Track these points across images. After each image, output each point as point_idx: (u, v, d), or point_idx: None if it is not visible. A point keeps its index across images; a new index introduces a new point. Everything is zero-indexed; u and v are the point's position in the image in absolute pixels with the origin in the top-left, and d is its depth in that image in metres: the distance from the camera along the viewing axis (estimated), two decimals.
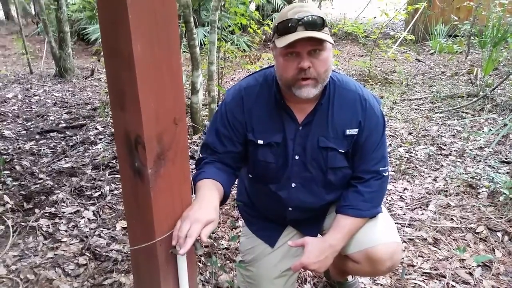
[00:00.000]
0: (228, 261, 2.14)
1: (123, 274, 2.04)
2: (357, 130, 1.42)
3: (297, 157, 1.45)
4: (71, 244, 2.30)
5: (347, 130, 1.42)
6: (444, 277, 1.99)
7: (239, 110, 1.45)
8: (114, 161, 3.35)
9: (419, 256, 2.17)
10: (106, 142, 3.82)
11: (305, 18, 1.26)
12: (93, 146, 3.75)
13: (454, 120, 4.36)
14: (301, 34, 1.24)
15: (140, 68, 1.00)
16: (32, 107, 5.13)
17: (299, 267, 1.42)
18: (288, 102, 1.42)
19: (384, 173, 1.48)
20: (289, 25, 1.27)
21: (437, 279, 1.99)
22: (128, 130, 1.08)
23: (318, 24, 1.26)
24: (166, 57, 1.09)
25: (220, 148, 1.47)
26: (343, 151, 1.44)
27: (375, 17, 6.91)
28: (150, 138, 1.06)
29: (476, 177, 2.99)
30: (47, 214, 2.59)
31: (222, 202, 1.39)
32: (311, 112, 1.42)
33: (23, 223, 2.47)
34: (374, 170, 1.47)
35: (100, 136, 4.00)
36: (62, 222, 2.51)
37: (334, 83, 1.44)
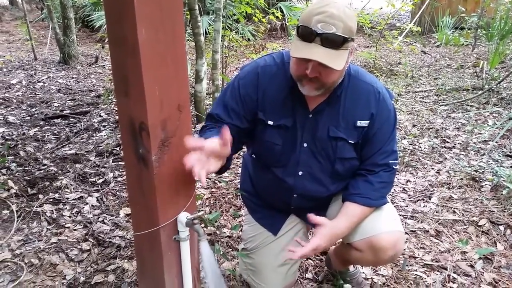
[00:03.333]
0: (230, 249, 2.15)
1: (126, 260, 2.05)
2: (368, 122, 1.42)
3: (305, 145, 1.45)
4: (74, 229, 2.32)
5: (358, 121, 1.42)
6: (446, 269, 2.00)
7: (253, 87, 1.45)
8: (117, 148, 3.36)
9: (420, 247, 2.17)
10: (110, 129, 3.83)
11: (324, 34, 1.21)
12: (97, 133, 3.76)
13: (459, 113, 4.34)
14: (313, 51, 1.22)
15: (145, 54, 1.00)
16: (36, 93, 5.13)
17: (310, 249, 1.40)
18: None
19: (394, 166, 1.49)
20: (308, 33, 1.24)
21: (438, 271, 1.99)
22: (133, 116, 1.08)
23: (336, 42, 1.22)
24: (171, 44, 1.08)
25: (226, 120, 1.45)
26: (352, 142, 1.44)
27: (381, 8, 6.84)
28: (155, 124, 1.06)
29: (479, 171, 2.98)
30: (51, 200, 2.60)
31: (223, 170, 1.37)
32: (324, 101, 1.42)
33: (27, 208, 2.49)
34: (384, 163, 1.47)
35: (104, 123, 4.01)
36: (66, 208, 2.53)
37: (349, 74, 1.43)
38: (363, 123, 1.43)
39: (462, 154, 3.32)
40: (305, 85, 1.32)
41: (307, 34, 1.24)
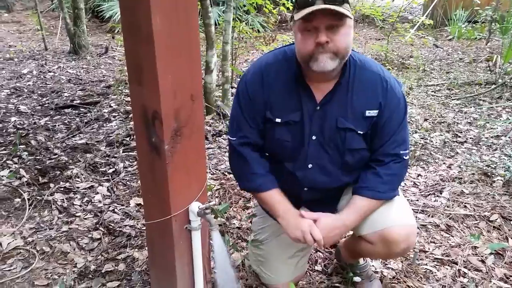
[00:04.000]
0: (240, 240, 2.16)
1: (136, 249, 2.07)
2: (377, 111, 1.40)
3: (314, 138, 1.44)
4: (85, 218, 2.34)
5: (367, 111, 1.40)
6: (456, 263, 1.98)
7: (260, 88, 1.44)
8: (128, 139, 3.37)
9: (431, 242, 2.16)
10: (120, 120, 3.84)
11: None
12: (107, 123, 3.77)
13: (471, 107, 4.29)
14: (317, 6, 1.22)
15: (159, 43, 1.00)
16: (47, 83, 5.15)
17: (311, 238, 1.42)
18: (307, 81, 1.40)
19: (404, 157, 1.47)
20: None
21: (448, 265, 1.98)
22: (146, 105, 1.08)
23: None
24: (184, 33, 1.08)
25: (249, 130, 1.48)
26: (361, 132, 1.42)
27: (393, 0, 6.76)
28: (168, 113, 1.06)
29: (491, 166, 2.94)
30: (62, 189, 2.62)
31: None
32: (330, 91, 1.40)
33: (38, 197, 2.51)
34: (395, 153, 1.45)
35: (114, 114, 4.02)
36: (77, 197, 2.54)
37: (355, 63, 1.41)
38: (372, 112, 1.41)
39: (474, 149, 3.29)
40: (319, 57, 1.28)
41: None
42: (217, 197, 2.57)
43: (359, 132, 1.42)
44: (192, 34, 1.11)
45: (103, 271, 1.92)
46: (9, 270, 1.92)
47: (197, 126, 1.18)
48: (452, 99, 4.54)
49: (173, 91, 1.06)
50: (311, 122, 1.43)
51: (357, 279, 1.78)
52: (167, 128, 1.07)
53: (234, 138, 1.52)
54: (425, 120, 3.93)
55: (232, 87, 4.15)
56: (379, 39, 8.19)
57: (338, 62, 1.31)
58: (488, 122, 3.82)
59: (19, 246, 2.08)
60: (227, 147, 1.60)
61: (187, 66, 1.10)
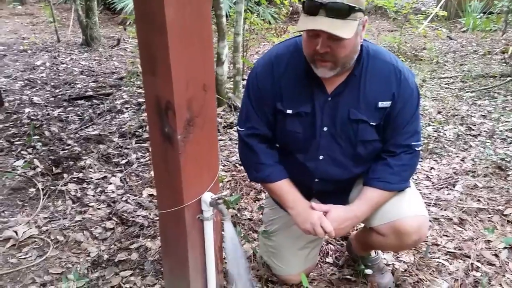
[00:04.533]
0: (251, 232, 2.17)
1: (149, 239, 2.09)
2: (390, 102, 1.39)
3: (325, 129, 1.43)
4: (98, 208, 2.36)
5: (380, 102, 1.38)
6: (469, 257, 1.97)
7: (270, 79, 1.44)
8: (140, 130, 3.39)
9: (443, 235, 2.14)
10: (133, 111, 3.86)
11: (329, 4, 1.19)
12: (119, 114, 3.80)
13: (485, 100, 4.22)
14: (318, 22, 1.20)
15: (172, 33, 1.00)
16: (60, 74, 5.20)
17: (321, 230, 1.42)
18: None
19: (416, 148, 1.45)
20: (312, 5, 1.22)
21: (461, 259, 1.96)
22: (159, 95, 1.08)
23: (342, 11, 1.20)
24: (197, 23, 1.08)
25: (258, 121, 1.49)
26: (374, 123, 1.40)
27: None
28: (180, 103, 1.06)
29: (506, 159, 2.90)
30: (75, 179, 2.66)
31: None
32: (342, 83, 1.39)
33: (52, 187, 2.54)
34: (406, 144, 1.44)
35: (126, 105, 4.04)
36: (90, 187, 2.57)
37: (368, 53, 1.39)
38: (385, 103, 1.39)
39: (488, 142, 3.24)
40: (319, 66, 1.30)
41: (311, 7, 1.22)
42: (228, 188, 2.58)
43: (371, 123, 1.41)
44: (205, 24, 1.11)
45: (116, 260, 1.94)
46: (25, 258, 1.96)
47: (210, 117, 1.18)
48: (466, 92, 4.48)
49: (186, 81, 1.06)
50: (323, 113, 1.42)
51: (368, 271, 1.78)
52: (180, 118, 1.07)
53: (243, 129, 1.52)
54: (439, 112, 3.88)
55: (243, 79, 4.15)
56: (392, 31, 8.09)
57: (338, 70, 1.31)
58: (503, 115, 3.77)
59: (34, 235, 2.12)
60: (238, 139, 1.60)
61: (199, 57, 1.10)
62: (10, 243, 2.04)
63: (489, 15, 8.00)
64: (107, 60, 6.01)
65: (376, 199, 1.46)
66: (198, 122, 1.14)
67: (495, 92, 4.41)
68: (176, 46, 1.01)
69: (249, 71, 1.61)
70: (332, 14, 1.20)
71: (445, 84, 4.85)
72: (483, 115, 3.83)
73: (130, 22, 8.19)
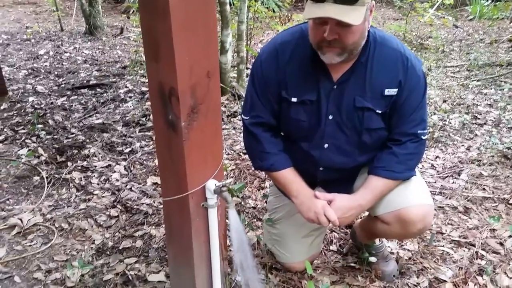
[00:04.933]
0: (255, 220, 2.17)
1: (153, 227, 2.09)
2: (396, 90, 1.37)
3: (331, 117, 1.41)
4: (103, 196, 2.37)
5: (386, 90, 1.37)
6: (474, 245, 1.96)
7: (275, 67, 1.42)
8: (144, 119, 3.39)
9: (448, 224, 2.13)
10: (136, 100, 3.85)
11: None
12: (123, 103, 3.80)
13: (491, 89, 4.18)
14: (326, 9, 1.18)
15: (176, 18, 0.98)
16: (63, 63, 5.19)
17: (324, 219, 1.42)
18: None
19: (422, 136, 1.43)
20: None
21: (466, 247, 1.96)
22: (162, 82, 1.07)
23: None
24: (201, 8, 1.06)
25: (262, 109, 1.47)
26: (380, 111, 1.39)
27: None
28: (184, 90, 1.05)
29: (511, 148, 2.88)
30: (80, 168, 2.66)
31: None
32: (348, 70, 1.37)
33: (56, 175, 2.55)
34: (412, 132, 1.42)
35: (130, 94, 4.03)
36: (94, 176, 2.58)
37: (375, 40, 1.37)
38: (391, 91, 1.37)
39: (494, 131, 3.22)
40: (326, 52, 1.28)
41: None
42: (232, 177, 2.57)
43: (377, 111, 1.39)
44: (209, 10, 1.09)
45: (120, 248, 1.95)
46: (30, 245, 1.97)
47: (214, 104, 1.17)
48: (472, 81, 4.43)
49: (189, 67, 1.05)
50: (328, 101, 1.40)
51: (372, 259, 1.77)
52: (183, 105, 1.06)
53: (247, 117, 1.51)
54: (444, 101, 3.85)
55: (247, 68, 4.12)
56: (398, 19, 8.01)
57: (346, 56, 1.29)
58: (509, 104, 3.73)
59: (38, 222, 2.13)
60: (242, 126, 1.60)
61: (203, 43, 1.09)
62: (16, 231, 2.05)
63: (496, 3, 7.89)
64: (111, 49, 5.99)
65: (381, 188, 1.45)
66: (202, 109, 1.13)
67: (502, 81, 4.37)
68: (179, 31, 0.99)
69: (253, 60, 1.59)
70: (340, 0, 1.18)
71: (451, 73, 4.81)
72: (489, 104, 3.79)
73: (133, 11, 8.14)
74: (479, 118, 3.48)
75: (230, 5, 7.02)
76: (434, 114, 3.54)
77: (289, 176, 1.51)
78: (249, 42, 4.57)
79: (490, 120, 3.44)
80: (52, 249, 1.95)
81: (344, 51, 1.27)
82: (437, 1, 7.26)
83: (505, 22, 7.16)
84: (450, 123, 3.37)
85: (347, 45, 1.25)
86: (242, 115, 1.54)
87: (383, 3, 10.01)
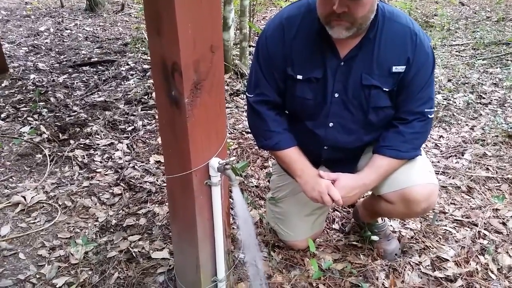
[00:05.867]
0: (258, 198, 2.17)
1: (157, 205, 2.10)
2: (404, 67, 1.34)
3: (336, 95, 1.39)
4: (106, 174, 2.37)
5: (394, 67, 1.33)
6: (476, 225, 1.96)
7: (280, 43, 1.38)
8: (146, 97, 3.36)
9: (451, 203, 2.13)
10: (138, 78, 3.82)
11: None
12: (125, 81, 3.76)
13: (497, 68, 4.13)
14: None
15: None
16: (64, 40, 5.14)
17: (328, 198, 1.42)
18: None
19: (429, 115, 1.41)
20: None
21: (468, 227, 1.96)
22: (165, 57, 1.05)
23: None
24: None
25: (267, 87, 1.45)
26: (387, 89, 1.36)
27: None
28: (187, 65, 1.03)
29: None
30: (82, 145, 2.65)
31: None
32: (356, 46, 1.33)
33: (59, 153, 2.55)
34: (419, 111, 1.40)
35: (131, 72, 4.00)
36: (97, 154, 2.57)
37: (383, 15, 1.33)
38: (399, 68, 1.34)
39: (499, 111, 3.19)
40: (335, 25, 1.24)
41: None
42: (234, 156, 2.57)
43: (384, 89, 1.36)
44: None
45: (124, 225, 1.96)
46: (34, 223, 1.98)
47: (217, 80, 1.15)
48: (477, 59, 4.38)
49: (193, 41, 1.02)
50: (334, 79, 1.37)
51: (374, 238, 1.78)
52: (187, 81, 1.04)
53: (252, 95, 1.49)
54: (449, 80, 3.81)
55: (250, 45, 4.07)
56: None
57: (354, 30, 1.25)
58: None
59: (42, 200, 2.13)
60: (245, 106, 1.57)
61: (207, 15, 1.06)
62: (19, 208, 2.06)
63: None
64: (112, 26, 5.92)
65: (385, 167, 1.44)
66: (206, 86, 1.11)
67: (508, 60, 4.31)
68: (182, 4, 0.96)
69: (256, 38, 1.55)
70: None
71: (456, 51, 4.74)
72: (495, 83, 3.75)
73: None
74: (484, 98, 3.45)
75: None
76: (439, 93, 3.50)
77: (293, 155, 1.50)
78: (252, 18, 4.50)
79: (495, 99, 3.41)
80: (55, 226, 1.96)
81: (353, 25, 1.23)
82: None
83: None
84: (455, 102, 3.34)
85: (357, 18, 1.21)
86: (246, 93, 1.52)
87: None
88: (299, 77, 1.39)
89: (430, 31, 5.55)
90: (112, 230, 1.94)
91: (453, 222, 1.99)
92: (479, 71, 4.07)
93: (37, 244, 1.84)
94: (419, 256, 1.77)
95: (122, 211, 2.06)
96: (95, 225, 1.97)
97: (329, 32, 1.27)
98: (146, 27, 1.08)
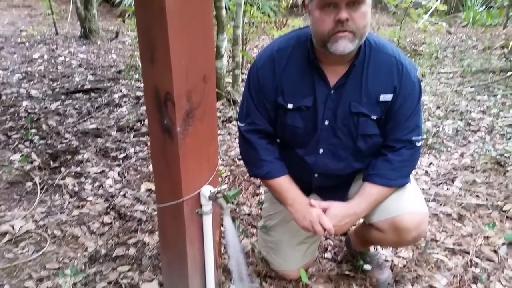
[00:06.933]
0: (250, 227, 2.15)
1: (147, 234, 2.07)
2: (391, 96, 1.37)
3: (326, 122, 1.41)
4: (96, 203, 2.35)
5: (381, 96, 1.37)
6: (468, 253, 1.96)
7: (271, 74, 1.41)
8: (138, 124, 3.37)
9: (442, 231, 2.13)
10: (131, 105, 3.84)
11: None
12: (117, 108, 3.78)
13: (485, 95, 4.21)
14: None
15: (172, 21, 0.97)
16: (58, 67, 5.17)
17: (319, 228, 1.41)
18: (321, 64, 1.37)
19: (416, 143, 1.43)
20: None
21: (460, 255, 1.96)
22: (158, 86, 1.06)
23: None
24: (198, 11, 1.06)
25: (258, 116, 1.47)
26: (375, 117, 1.39)
27: None
28: (180, 94, 1.04)
29: (505, 155, 2.89)
30: (73, 173, 2.64)
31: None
32: (344, 74, 1.37)
33: (49, 181, 2.52)
34: (406, 139, 1.42)
35: (124, 99, 4.02)
36: (88, 182, 2.55)
37: (370, 45, 1.37)
38: (387, 97, 1.37)
39: (487, 138, 3.24)
40: (339, 39, 1.25)
41: None
42: (227, 183, 2.56)
43: (372, 117, 1.39)
44: (205, 13, 1.08)
45: (113, 256, 1.93)
46: (21, 253, 1.94)
47: (210, 109, 1.16)
48: (465, 87, 4.47)
49: (185, 71, 1.04)
50: (325, 106, 1.40)
51: (367, 267, 1.77)
52: (179, 110, 1.05)
53: (243, 124, 1.50)
54: (438, 107, 3.87)
55: (242, 73, 4.12)
56: (392, 25, 8.06)
57: (357, 43, 1.28)
58: (502, 111, 3.76)
59: (30, 229, 2.10)
60: (238, 133, 1.59)
61: (200, 46, 1.08)
62: (7, 238, 2.02)
63: (489, 9, 7.99)
64: (106, 53, 5.97)
65: (375, 195, 1.44)
66: (198, 114, 1.12)
67: (495, 88, 4.40)
68: (176, 33, 0.99)
69: (249, 65, 1.59)
70: None
71: (445, 79, 4.84)
72: (482, 111, 3.82)
73: (129, 15, 8.13)
74: (472, 125, 3.50)
75: (226, 10, 7.03)
76: (428, 120, 3.55)
77: (285, 184, 1.50)
78: (244, 46, 4.58)
79: (483, 126, 3.46)
80: (44, 256, 1.93)
81: (355, 36, 1.26)
82: (431, 7, 7.33)
83: (498, 29, 7.24)
84: (444, 129, 3.39)
85: (359, 27, 1.25)
86: (238, 122, 1.54)
87: (377, 9, 10.08)
88: (290, 106, 1.42)
89: (419, 59, 5.67)
90: (101, 260, 1.91)
91: (444, 250, 1.99)
92: (467, 98, 4.15)
93: (24, 275, 1.80)
94: (412, 286, 1.76)
95: (112, 241, 2.03)
96: (84, 255, 1.94)
97: (332, 49, 1.27)
98: (140, 57, 1.10)
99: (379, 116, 1.39)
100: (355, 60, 1.35)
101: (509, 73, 4.65)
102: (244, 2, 4.03)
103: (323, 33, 1.27)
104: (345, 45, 1.26)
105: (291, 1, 8.33)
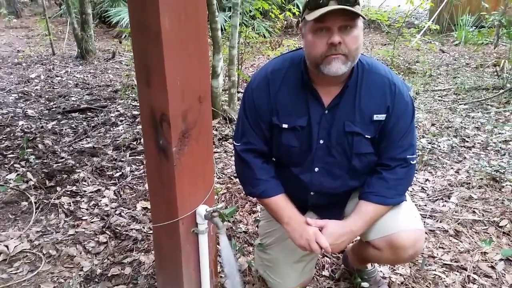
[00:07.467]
0: (246, 245, 2.14)
1: (143, 253, 2.06)
2: (384, 115, 1.39)
3: (321, 142, 1.42)
4: (92, 222, 2.33)
5: (375, 115, 1.38)
6: (465, 269, 1.96)
7: (266, 95, 1.43)
8: (134, 143, 3.38)
9: (439, 247, 2.13)
10: (127, 124, 3.85)
11: None
12: (114, 127, 3.79)
13: (478, 112, 4.26)
14: (331, 6, 1.21)
15: (168, 43, 0.99)
16: (54, 87, 5.19)
17: (316, 246, 1.41)
18: (314, 85, 1.40)
19: (411, 161, 1.45)
20: None
21: (457, 271, 1.95)
22: (154, 107, 1.08)
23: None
24: (193, 34, 1.08)
25: (253, 136, 1.48)
26: (369, 136, 1.40)
27: (399, 6, 6.78)
28: (175, 115, 1.06)
29: (500, 171, 2.91)
30: (69, 192, 2.63)
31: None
32: (338, 95, 1.39)
33: (45, 200, 2.51)
34: (401, 157, 1.43)
35: (121, 118, 4.03)
36: (83, 201, 2.54)
37: (363, 66, 1.40)
38: (380, 117, 1.39)
39: (482, 154, 3.26)
40: (331, 61, 1.27)
41: (320, 0, 1.23)
42: (223, 201, 2.56)
43: (366, 136, 1.41)
44: (201, 34, 1.11)
45: (109, 275, 1.91)
46: (16, 273, 1.92)
47: (205, 129, 1.18)
48: (459, 104, 4.51)
49: (181, 93, 1.06)
50: (319, 126, 1.42)
51: (365, 284, 1.76)
52: (175, 130, 1.06)
53: (239, 144, 1.52)
54: (432, 125, 3.91)
55: (238, 92, 4.16)
56: (385, 44, 8.18)
57: (349, 65, 1.30)
58: (496, 127, 3.79)
59: (25, 249, 2.08)
60: (233, 152, 1.60)
61: (195, 67, 1.10)
62: (1, 258, 2.00)
63: (481, 29, 8.13)
64: (102, 73, 6.02)
65: (371, 213, 1.45)
66: (193, 134, 1.13)
67: (488, 104, 4.45)
68: (171, 56, 1.01)
69: (244, 84, 1.61)
70: (342, 1, 1.21)
71: (439, 96, 4.89)
72: (477, 127, 3.85)
73: (125, 35, 8.23)
74: (467, 141, 3.53)
75: (222, 30, 7.13)
76: (423, 137, 3.58)
77: (281, 202, 1.51)
78: (240, 66, 4.63)
79: (478, 143, 3.48)
80: (39, 276, 1.91)
81: (348, 58, 1.28)
82: (424, 27, 7.46)
83: (489, 47, 7.34)
84: (439, 146, 3.41)
85: (352, 49, 1.27)
86: (234, 142, 1.55)
87: (371, 28, 10.24)
88: (285, 126, 1.43)
89: (413, 77, 5.74)
90: (97, 280, 1.89)
91: (442, 267, 1.98)
92: (462, 115, 4.19)
93: None
94: None
95: (107, 260, 2.02)
96: (79, 274, 1.92)
97: (325, 71, 1.29)
98: (136, 78, 1.12)
99: (373, 135, 1.41)
100: (348, 81, 1.38)
101: (501, 91, 4.71)
102: (240, 23, 4.09)
103: (316, 55, 1.29)
104: (338, 67, 1.28)
105: (285, 22, 8.45)
